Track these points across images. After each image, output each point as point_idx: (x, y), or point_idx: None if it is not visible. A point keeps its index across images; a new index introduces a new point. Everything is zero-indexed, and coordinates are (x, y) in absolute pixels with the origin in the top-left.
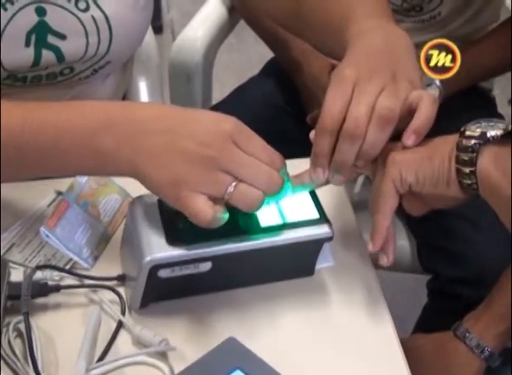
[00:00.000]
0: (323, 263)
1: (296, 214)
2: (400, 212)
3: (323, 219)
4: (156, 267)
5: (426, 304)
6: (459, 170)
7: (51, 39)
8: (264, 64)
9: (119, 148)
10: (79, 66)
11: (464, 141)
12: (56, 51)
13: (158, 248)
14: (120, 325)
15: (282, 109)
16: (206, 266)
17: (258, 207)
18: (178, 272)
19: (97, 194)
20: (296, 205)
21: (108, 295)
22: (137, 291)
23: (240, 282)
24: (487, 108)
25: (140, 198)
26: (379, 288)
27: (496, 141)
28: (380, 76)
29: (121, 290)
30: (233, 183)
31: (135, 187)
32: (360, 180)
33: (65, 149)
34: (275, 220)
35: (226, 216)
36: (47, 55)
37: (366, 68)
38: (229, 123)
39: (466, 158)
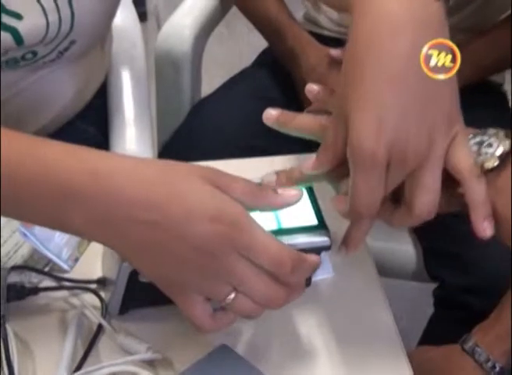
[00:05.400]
0: (321, 274)
1: (293, 219)
2: None
3: (321, 225)
4: (137, 270)
5: (432, 314)
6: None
7: (6, 19)
8: (258, 54)
9: (91, 227)
10: (41, 48)
11: None
12: (13, 32)
13: None
14: (100, 330)
15: (277, 103)
16: None
17: (258, 316)
18: None
19: None
20: (293, 210)
21: (90, 299)
22: (116, 295)
23: None
24: (498, 105)
25: None
26: (385, 298)
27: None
28: (416, 155)
29: (103, 293)
30: (232, 295)
31: None
32: None
33: (29, 208)
34: (270, 225)
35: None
36: (3, 38)
37: (396, 141)
38: (226, 222)
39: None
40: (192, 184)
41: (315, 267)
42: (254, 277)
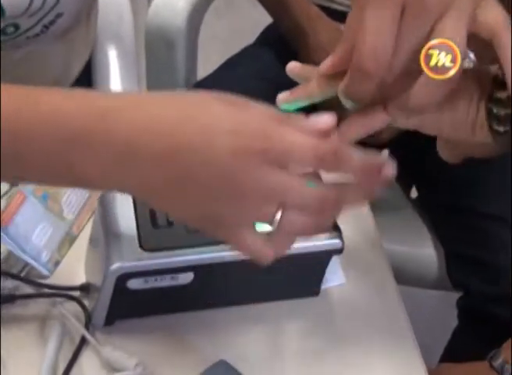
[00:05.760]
0: (331, 282)
1: None
2: (425, 214)
3: (333, 226)
4: (125, 276)
5: (456, 327)
6: (490, 112)
7: None
8: (261, 31)
9: (103, 171)
10: (24, 21)
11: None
12: None
13: (128, 253)
14: (84, 343)
15: (282, 86)
16: (187, 278)
17: (314, 233)
18: (152, 283)
19: None
20: None
21: (72, 308)
22: (101, 304)
23: (227, 299)
24: None
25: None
26: (403, 309)
27: None
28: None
29: (87, 301)
30: (279, 214)
31: None
32: None
33: (30, 164)
34: None
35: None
36: None
37: None
38: (248, 134)
39: (502, 96)
40: (204, 105)
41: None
42: (298, 183)
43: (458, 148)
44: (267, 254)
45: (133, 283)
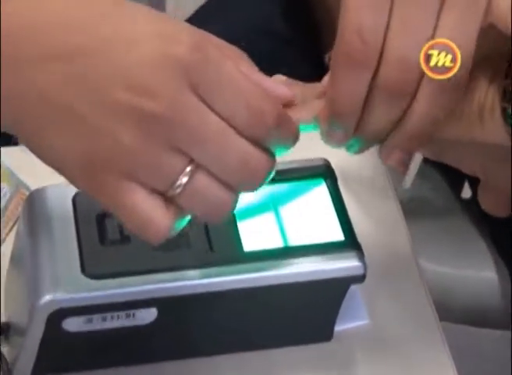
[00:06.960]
0: (349, 321)
1: (307, 233)
2: (482, 221)
3: (350, 243)
4: (60, 313)
5: None
6: (505, 93)
7: None
8: None
9: None
10: None
11: None
12: None
13: (65, 280)
14: None
15: (282, 39)
16: (148, 316)
17: (227, 215)
18: (99, 324)
19: None
20: (306, 219)
21: None
22: (27, 353)
23: (205, 347)
24: None
25: (42, 191)
26: (449, 357)
27: None
28: None
29: (6, 348)
30: (188, 169)
31: (36, 171)
32: (414, 168)
33: None
34: (270, 242)
35: (185, 220)
36: None
37: None
38: (185, 44)
39: None
40: (126, 4)
41: (297, 133)
42: (223, 133)
43: (500, 193)
44: (160, 226)
45: (72, 324)
